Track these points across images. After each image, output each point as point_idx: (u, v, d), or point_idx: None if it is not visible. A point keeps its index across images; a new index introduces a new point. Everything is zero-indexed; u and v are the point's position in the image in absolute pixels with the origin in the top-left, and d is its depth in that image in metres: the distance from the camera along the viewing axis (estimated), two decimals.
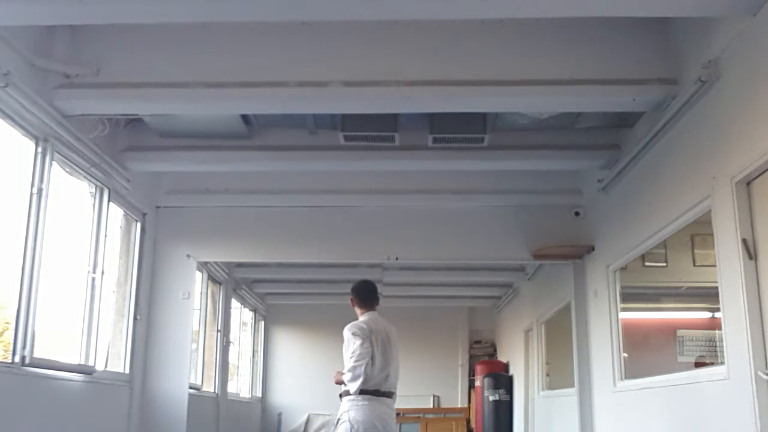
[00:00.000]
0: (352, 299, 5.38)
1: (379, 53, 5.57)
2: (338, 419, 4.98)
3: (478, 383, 13.49)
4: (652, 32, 5.46)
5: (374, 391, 4.96)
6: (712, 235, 4.81)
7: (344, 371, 5.00)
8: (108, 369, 7.14)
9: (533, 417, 11.39)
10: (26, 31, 5.22)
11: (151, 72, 5.59)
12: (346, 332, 5.10)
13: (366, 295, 5.39)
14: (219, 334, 10.40)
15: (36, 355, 5.31)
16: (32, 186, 5.40)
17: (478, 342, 15.91)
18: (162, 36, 5.59)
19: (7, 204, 5.37)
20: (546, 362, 10.72)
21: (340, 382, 5.11)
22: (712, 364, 6.43)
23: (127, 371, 7.47)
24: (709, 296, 5.28)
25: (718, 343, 5.19)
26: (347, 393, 4.99)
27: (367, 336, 5.01)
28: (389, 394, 5.09)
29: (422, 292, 13.48)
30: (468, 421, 14.57)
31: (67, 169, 6.14)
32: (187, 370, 8.08)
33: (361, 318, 5.26)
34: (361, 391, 4.90)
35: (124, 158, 7.00)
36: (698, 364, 6.66)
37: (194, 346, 9.12)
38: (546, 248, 8.07)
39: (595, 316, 7.66)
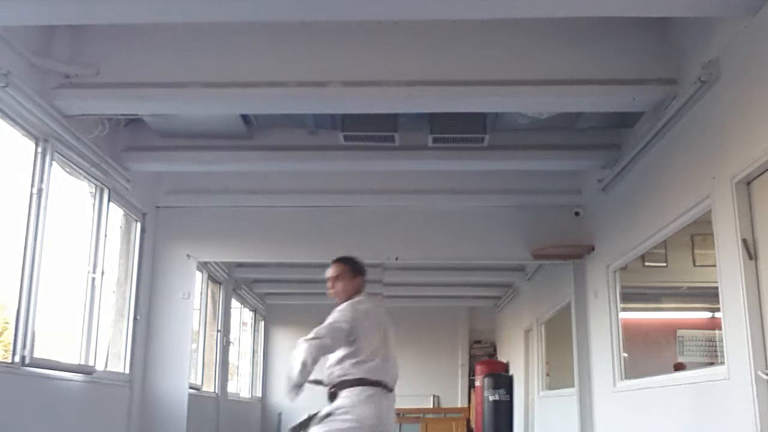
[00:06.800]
0: (344, 275, 4.30)
1: (379, 53, 5.57)
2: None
3: (478, 383, 13.48)
4: (652, 32, 5.46)
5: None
6: (712, 235, 4.81)
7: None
8: (108, 369, 7.14)
9: (533, 417, 11.38)
10: (26, 31, 5.22)
11: (151, 72, 5.59)
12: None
13: (361, 269, 4.36)
14: (219, 334, 10.40)
15: (36, 355, 5.30)
16: (32, 186, 5.40)
17: (478, 342, 15.92)
18: (162, 36, 5.59)
19: (7, 204, 5.37)
20: (546, 362, 10.72)
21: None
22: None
23: (127, 371, 7.46)
24: (709, 296, 5.28)
25: (718, 343, 5.19)
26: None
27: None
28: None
29: (422, 292, 13.48)
30: (468, 421, 14.54)
31: (67, 169, 6.14)
32: (187, 370, 8.08)
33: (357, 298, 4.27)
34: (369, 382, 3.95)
35: (124, 158, 7.00)
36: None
37: (194, 346, 9.12)
38: (546, 248, 8.07)
39: (595, 316, 7.66)
